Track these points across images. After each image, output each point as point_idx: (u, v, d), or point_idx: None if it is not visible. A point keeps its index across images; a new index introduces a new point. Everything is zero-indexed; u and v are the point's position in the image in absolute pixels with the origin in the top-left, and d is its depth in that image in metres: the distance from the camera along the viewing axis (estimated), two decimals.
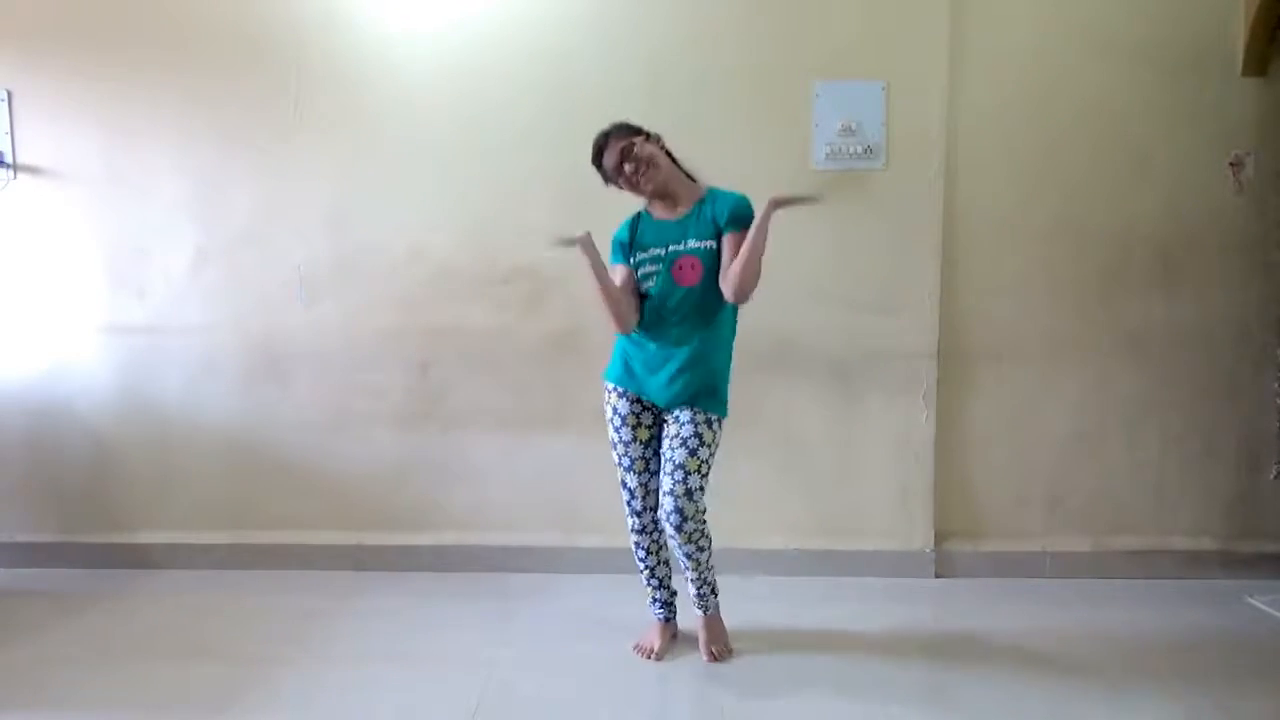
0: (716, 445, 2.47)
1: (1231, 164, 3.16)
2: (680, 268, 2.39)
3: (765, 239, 2.34)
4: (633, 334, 2.48)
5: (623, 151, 2.37)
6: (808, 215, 3.14)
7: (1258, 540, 3.25)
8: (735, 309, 2.49)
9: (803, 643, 2.68)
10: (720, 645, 2.59)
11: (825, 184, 2.36)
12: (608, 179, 2.43)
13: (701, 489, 2.42)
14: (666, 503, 2.41)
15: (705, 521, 2.47)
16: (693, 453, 2.40)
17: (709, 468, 2.44)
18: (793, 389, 3.22)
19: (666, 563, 2.65)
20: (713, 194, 2.46)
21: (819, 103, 3.14)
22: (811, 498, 3.27)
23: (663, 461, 2.48)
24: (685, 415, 2.43)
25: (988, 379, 3.24)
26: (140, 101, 3.24)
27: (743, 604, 2.85)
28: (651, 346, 2.45)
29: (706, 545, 2.50)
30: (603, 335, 3.16)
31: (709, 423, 2.43)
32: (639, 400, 2.50)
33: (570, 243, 2.41)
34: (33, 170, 3.28)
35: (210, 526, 3.35)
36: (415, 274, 3.26)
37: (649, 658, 2.58)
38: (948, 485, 3.26)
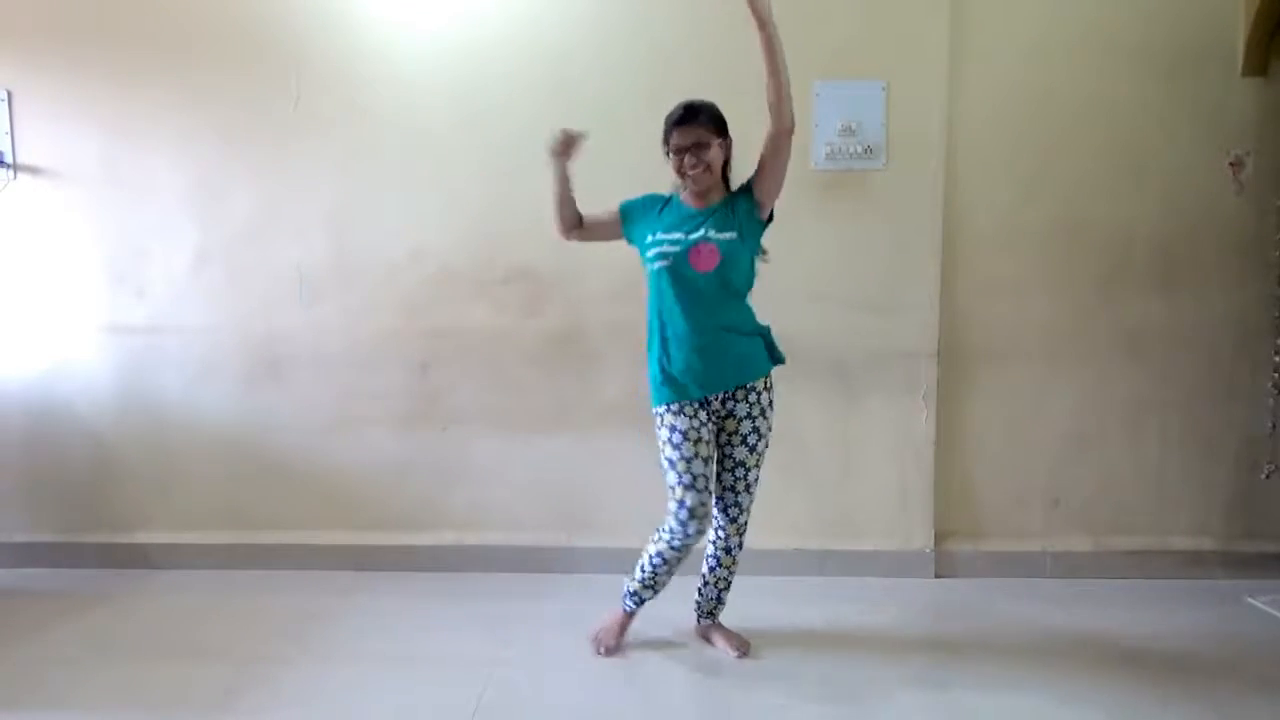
0: (770, 429, 2.53)
1: (1231, 164, 3.16)
2: (698, 253, 2.41)
3: (776, 44, 2.38)
4: (661, 331, 2.46)
5: (698, 141, 2.38)
6: (808, 215, 3.17)
7: (1258, 540, 3.25)
8: (751, 284, 2.50)
9: (803, 642, 2.68)
10: (741, 640, 2.65)
11: None
12: (666, 143, 2.44)
13: (755, 482, 2.55)
14: (728, 497, 2.53)
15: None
16: (752, 448, 2.50)
17: (763, 463, 2.54)
18: (793, 389, 3.20)
19: (674, 571, 2.61)
20: (731, 194, 2.50)
21: (819, 103, 3.14)
22: (811, 498, 3.27)
23: (721, 454, 2.52)
24: (743, 409, 2.48)
25: (988, 379, 3.24)
26: (140, 101, 3.24)
27: (743, 604, 2.84)
28: (681, 331, 2.43)
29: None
30: (602, 336, 3.19)
31: (764, 412, 2.49)
32: (696, 415, 2.45)
33: (563, 143, 2.47)
34: (33, 170, 3.28)
35: (210, 526, 3.35)
36: (415, 274, 3.26)
37: (602, 653, 2.59)
38: (948, 485, 3.26)
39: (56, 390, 3.35)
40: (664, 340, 2.46)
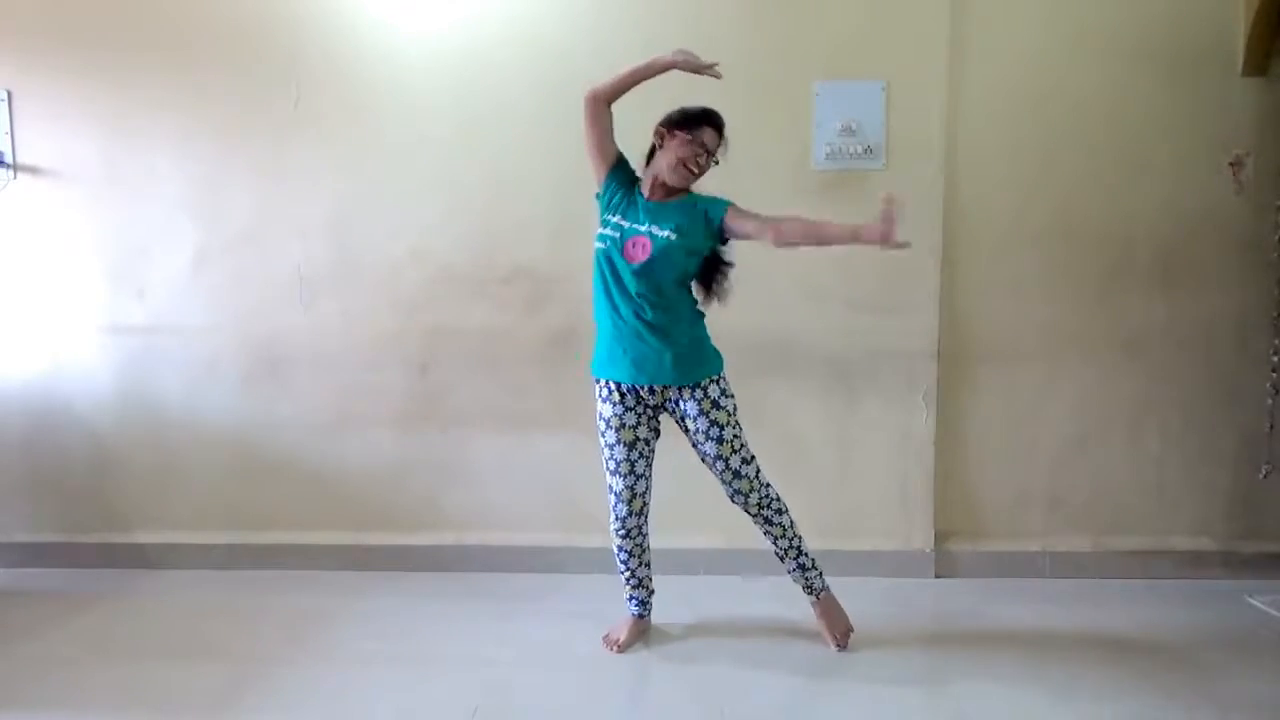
0: (734, 408, 2.52)
1: (1231, 164, 3.16)
2: (633, 244, 2.43)
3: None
4: (596, 312, 2.53)
5: (712, 149, 2.46)
6: (808, 215, 3.16)
7: (1258, 540, 3.25)
8: (683, 290, 2.51)
9: (803, 643, 2.68)
10: (841, 630, 2.65)
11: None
12: (672, 128, 2.46)
13: (746, 460, 2.52)
14: (729, 490, 2.55)
15: (768, 484, 2.56)
16: (719, 440, 2.49)
17: (741, 438, 2.52)
18: (793, 389, 3.22)
19: (648, 564, 2.71)
20: (693, 198, 2.51)
21: (819, 103, 3.14)
22: (811, 498, 3.26)
23: (700, 454, 2.55)
24: (692, 408, 2.48)
25: (988, 379, 3.24)
26: (140, 101, 3.24)
27: (743, 604, 2.85)
28: (610, 324, 2.48)
29: (783, 508, 2.59)
30: None
31: (715, 404, 2.48)
32: (622, 401, 2.50)
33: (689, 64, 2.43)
34: (33, 170, 3.28)
35: (210, 526, 3.35)
36: (415, 274, 3.26)
37: (613, 649, 2.62)
38: (948, 485, 3.26)
39: (56, 390, 3.35)
40: (599, 321, 2.53)
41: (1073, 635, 2.74)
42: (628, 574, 2.68)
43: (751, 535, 3.09)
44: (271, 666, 2.52)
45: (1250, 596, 3.04)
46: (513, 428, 3.28)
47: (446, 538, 3.32)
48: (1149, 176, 3.17)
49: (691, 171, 2.45)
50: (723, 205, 2.47)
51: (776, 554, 2.65)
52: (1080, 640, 2.71)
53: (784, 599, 3.01)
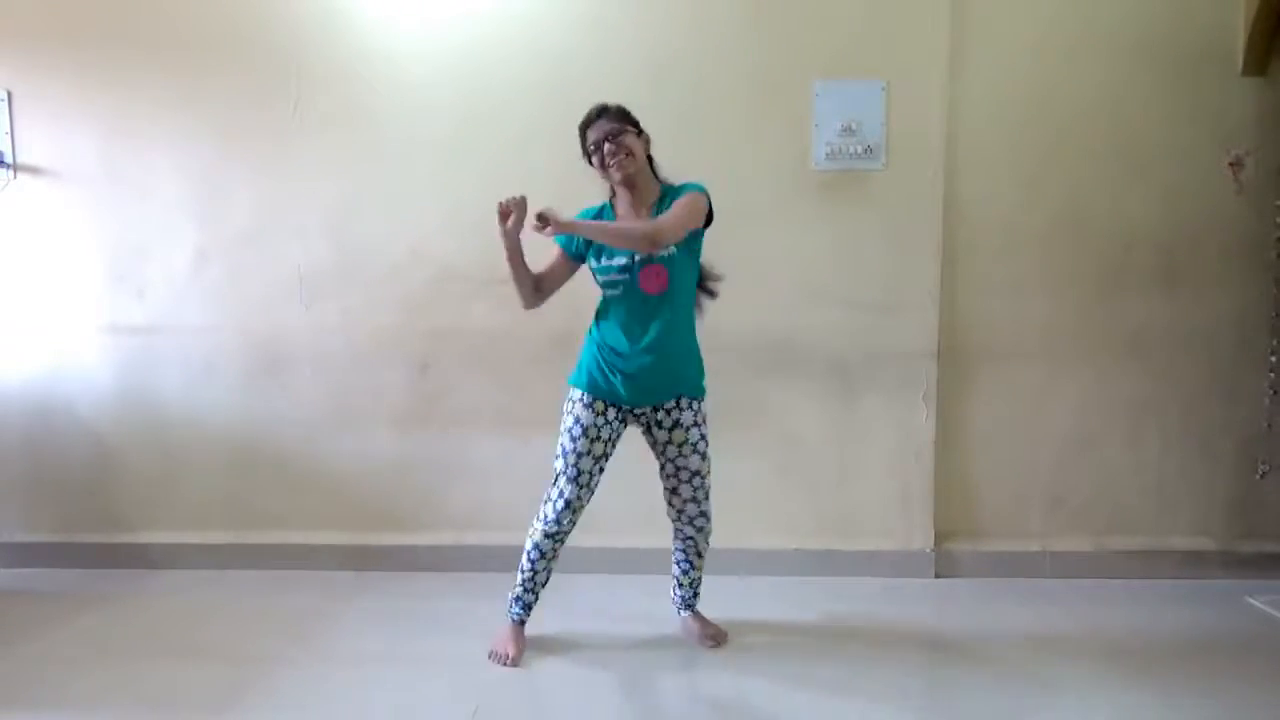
0: None
1: (1231, 164, 3.16)
2: (647, 276, 2.38)
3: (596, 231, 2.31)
4: (605, 338, 2.45)
5: (610, 132, 2.37)
6: (808, 215, 3.18)
7: (1258, 540, 3.25)
8: (693, 294, 2.49)
9: (803, 643, 2.68)
10: (717, 631, 2.68)
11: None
12: (585, 152, 2.44)
13: (710, 484, 2.56)
14: (690, 509, 2.55)
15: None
16: (704, 455, 2.51)
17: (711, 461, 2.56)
18: (793, 389, 3.22)
19: (551, 572, 2.61)
20: (667, 190, 2.45)
21: (819, 103, 3.13)
22: (811, 498, 3.27)
23: (673, 469, 2.52)
24: (687, 417, 2.47)
25: (988, 379, 3.24)
26: (140, 101, 3.24)
27: (743, 604, 2.85)
28: (625, 350, 2.41)
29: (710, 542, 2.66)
30: None
31: (704, 420, 2.52)
32: (604, 414, 2.45)
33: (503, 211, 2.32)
34: (33, 170, 3.28)
35: (210, 526, 3.35)
36: (415, 274, 3.26)
37: (506, 664, 2.51)
38: (948, 485, 3.26)
39: (56, 390, 3.35)
40: (604, 345, 2.45)
41: (1073, 635, 2.74)
42: (530, 577, 2.55)
43: (752, 535, 3.10)
44: (271, 666, 2.52)
45: (1250, 596, 3.04)
46: (513, 428, 3.28)
47: (446, 538, 3.32)
48: (1149, 176, 3.17)
49: (610, 168, 2.38)
50: (689, 188, 2.40)
51: (682, 578, 2.68)
52: (1080, 640, 2.71)
53: (783, 599, 3.02)
